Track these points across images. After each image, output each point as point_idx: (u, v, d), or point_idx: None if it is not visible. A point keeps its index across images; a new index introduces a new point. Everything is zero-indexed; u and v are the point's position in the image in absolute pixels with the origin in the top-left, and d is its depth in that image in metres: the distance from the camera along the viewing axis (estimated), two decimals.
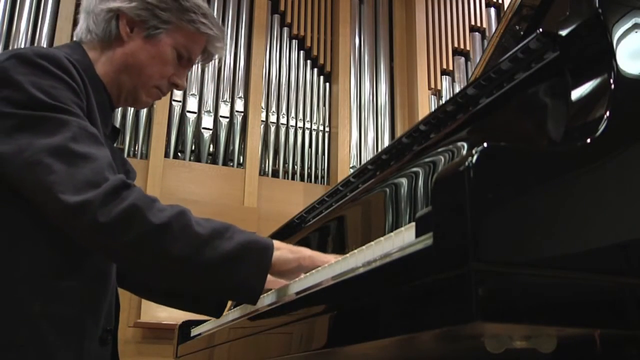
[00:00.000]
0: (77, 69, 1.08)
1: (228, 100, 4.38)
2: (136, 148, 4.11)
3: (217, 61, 4.40)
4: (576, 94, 0.79)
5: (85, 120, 1.04)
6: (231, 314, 1.30)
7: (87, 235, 0.95)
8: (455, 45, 5.03)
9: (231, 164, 4.31)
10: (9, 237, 1.02)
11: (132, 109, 3.81)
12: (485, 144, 0.59)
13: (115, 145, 1.29)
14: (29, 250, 1.03)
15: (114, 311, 1.22)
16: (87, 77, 1.11)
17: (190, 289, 1.15)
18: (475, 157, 0.57)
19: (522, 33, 1.43)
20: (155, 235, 0.93)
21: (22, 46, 3.86)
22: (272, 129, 4.47)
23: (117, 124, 3.87)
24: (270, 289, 1.08)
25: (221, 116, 4.31)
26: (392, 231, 0.76)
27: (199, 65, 1.36)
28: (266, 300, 1.05)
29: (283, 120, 4.51)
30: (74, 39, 1.25)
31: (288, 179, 4.44)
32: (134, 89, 1.23)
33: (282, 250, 1.04)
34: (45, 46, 3.92)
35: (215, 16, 1.28)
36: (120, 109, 3.69)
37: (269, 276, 1.01)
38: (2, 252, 1.01)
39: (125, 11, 1.19)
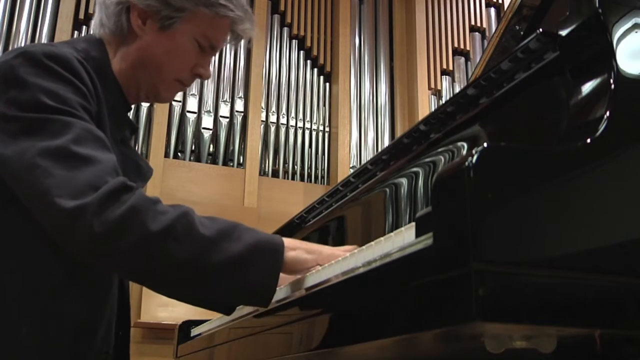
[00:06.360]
0: (87, 70, 1.02)
1: (228, 100, 4.38)
2: (136, 148, 4.10)
3: (217, 61, 4.40)
4: (576, 94, 0.79)
5: (92, 123, 0.98)
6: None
7: (83, 244, 0.87)
8: (455, 45, 5.03)
9: (231, 164, 4.31)
10: (5, 247, 0.97)
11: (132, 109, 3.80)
12: (485, 144, 0.59)
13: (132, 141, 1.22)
14: (24, 262, 0.98)
15: (113, 332, 1.15)
16: (100, 78, 1.06)
17: (195, 295, 1.03)
18: (475, 157, 0.57)
19: (522, 33, 1.43)
20: (157, 240, 0.86)
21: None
22: (272, 129, 4.46)
23: None
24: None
25: (221, 116, 4.30)
26: (392, 231, 0.76)
27: (229, 46, 1.19)
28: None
29: (283, 120, 4.51)
30: (91, 33, 1.17)
31: (288, 179, 4.44)
32: (153, 86, 1.16)
33: (298, 251, 0.97)
34: None
35: None
36: None
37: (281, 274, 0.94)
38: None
39: (134, 2, 1.10)
